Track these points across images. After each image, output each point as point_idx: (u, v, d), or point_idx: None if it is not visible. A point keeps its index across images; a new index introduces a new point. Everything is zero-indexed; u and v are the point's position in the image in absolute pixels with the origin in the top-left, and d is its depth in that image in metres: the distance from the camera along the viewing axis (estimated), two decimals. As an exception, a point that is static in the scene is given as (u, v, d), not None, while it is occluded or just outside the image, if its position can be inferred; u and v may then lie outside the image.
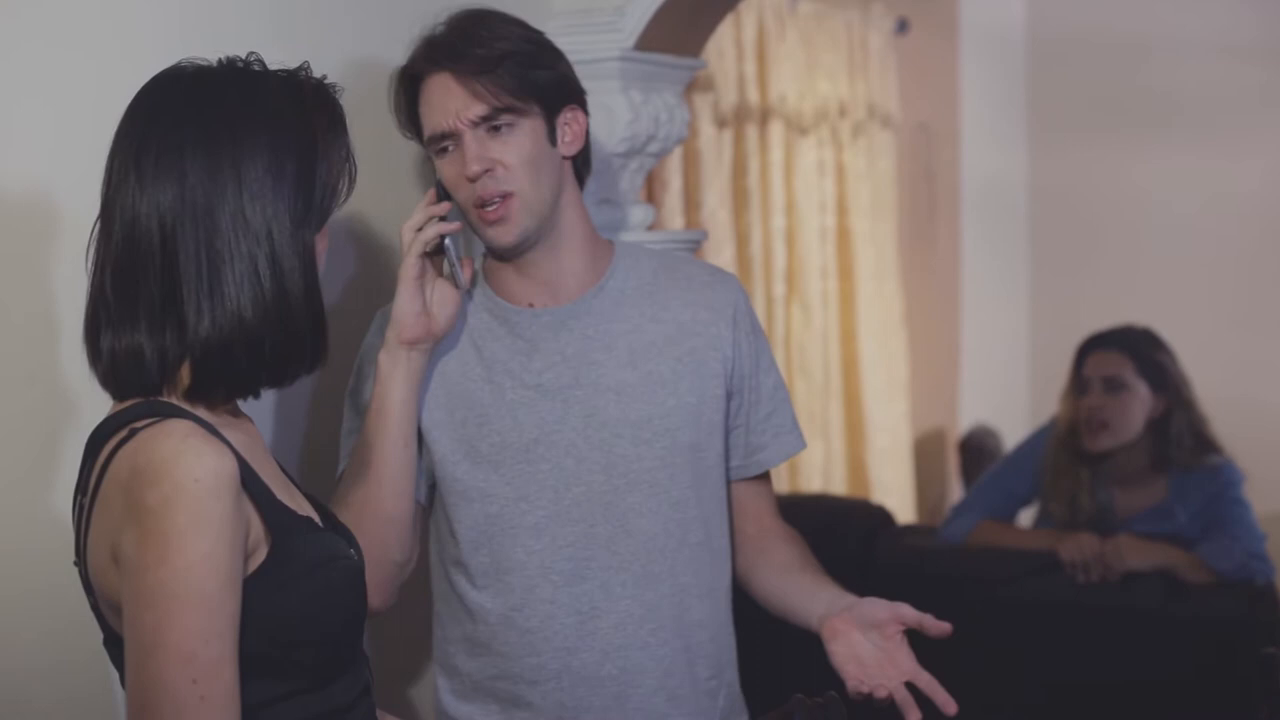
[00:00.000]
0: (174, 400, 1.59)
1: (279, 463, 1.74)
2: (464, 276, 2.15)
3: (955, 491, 5.77)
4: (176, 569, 1.45)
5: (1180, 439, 3.75)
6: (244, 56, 1.65)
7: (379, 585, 2.00)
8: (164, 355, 1.57)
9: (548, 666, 2.15)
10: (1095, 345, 3.88)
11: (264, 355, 1.59)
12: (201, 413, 1.59)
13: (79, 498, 1.59)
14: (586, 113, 2.21)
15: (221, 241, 1.55)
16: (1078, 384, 3.85)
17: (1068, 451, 3.83)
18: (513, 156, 2.10)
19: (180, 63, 1.64)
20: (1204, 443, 3.77)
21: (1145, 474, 3.78)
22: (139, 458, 1.49)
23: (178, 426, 1.52)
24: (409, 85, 2.15)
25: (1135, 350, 3.81)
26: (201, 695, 1.45)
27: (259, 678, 1.53)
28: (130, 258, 1.56)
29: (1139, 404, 3.76)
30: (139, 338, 1.57)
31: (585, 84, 2.22)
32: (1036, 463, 3.93)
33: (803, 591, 2.20)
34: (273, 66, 1.66)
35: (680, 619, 2.18)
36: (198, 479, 1.47)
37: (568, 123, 2.17)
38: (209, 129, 1.57)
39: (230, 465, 1.50)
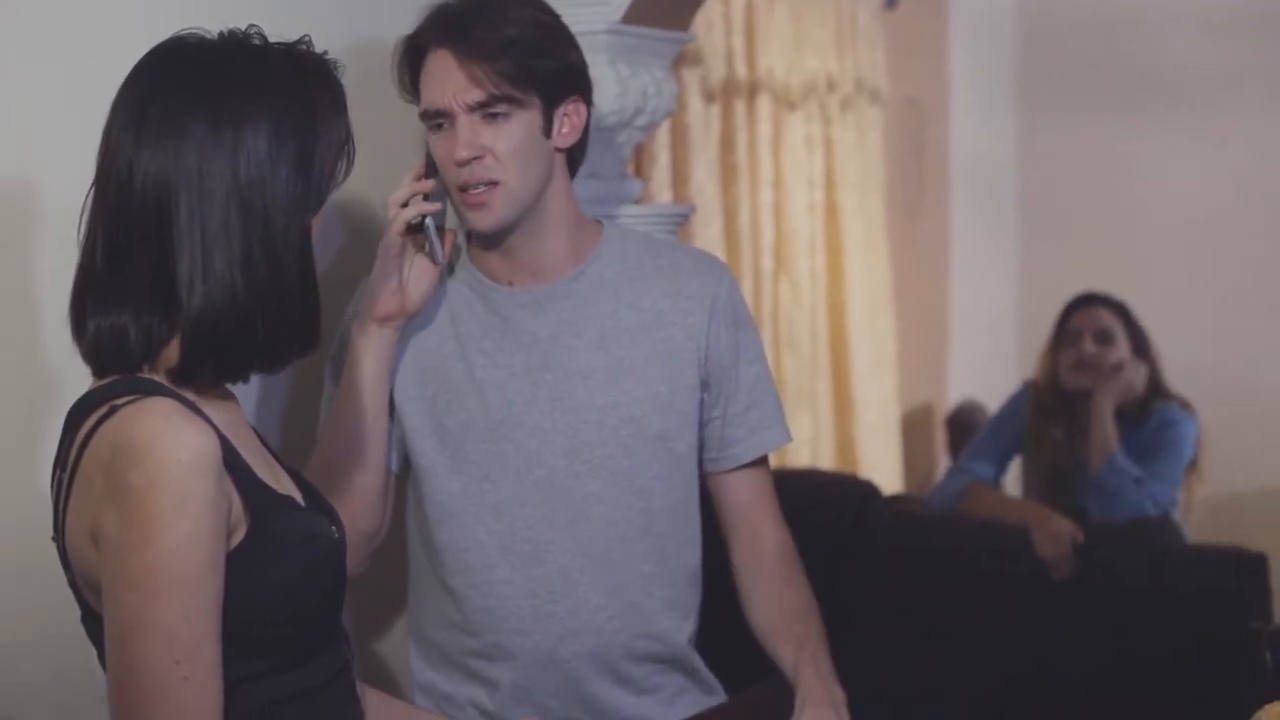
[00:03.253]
0: (155, 377, 1.57)
1: (261, 438, 1.73)
2: (442, 253, 2.13)
3: (943, 466, 5.77)
4: (160, 550, 1.44)
5: (1135, 394, 3.95)
6: (244, 29, 1.62)
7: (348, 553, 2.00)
8: (150, 334, 1.55)
9: (504, 646, 2.16)
10: (1083, 302, 4.07)
11: (256, 339, 1.56)
12: (187, 391, 1.57)
13: (58, 472, 1.57)
14: (589, 104, 2.19)
15: (217, 222, 1.52)
16: (1064, 336, 4.04)
17: (1045, 412, 4.00)
18: (503, 146, 2.08)
19: (180, 33, 1.61)
20: (1155, 394, 3.98)
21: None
22: (120, 436, 1.48)
23: (160, 405, 1.50)
24: (413, 54, 2.13)
25: (1122, 311, 4.03)
26: (184, 675, 1.45)
27: (238, 655, 1.52)
28: (124, 225, 1.53)
29: (1126, 356, 3.95)
30: (125, 316, 1.54)
31: (573, 57, 2.20)
32: (1018, 422, 4.06)
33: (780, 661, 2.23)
34: (271, 40, 1.63)
35: (640, 607, 2.18)
36: (180, 459, 1.45)
37: (567, 114, 2.14)
38: (213, 97, 1.54)
39: (212, 444, 1.49)
